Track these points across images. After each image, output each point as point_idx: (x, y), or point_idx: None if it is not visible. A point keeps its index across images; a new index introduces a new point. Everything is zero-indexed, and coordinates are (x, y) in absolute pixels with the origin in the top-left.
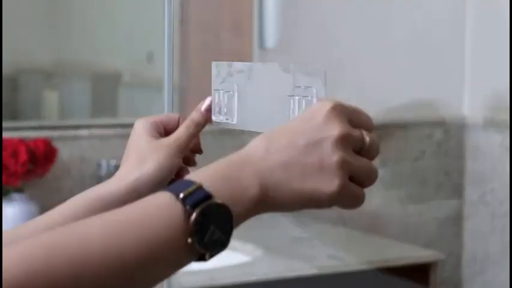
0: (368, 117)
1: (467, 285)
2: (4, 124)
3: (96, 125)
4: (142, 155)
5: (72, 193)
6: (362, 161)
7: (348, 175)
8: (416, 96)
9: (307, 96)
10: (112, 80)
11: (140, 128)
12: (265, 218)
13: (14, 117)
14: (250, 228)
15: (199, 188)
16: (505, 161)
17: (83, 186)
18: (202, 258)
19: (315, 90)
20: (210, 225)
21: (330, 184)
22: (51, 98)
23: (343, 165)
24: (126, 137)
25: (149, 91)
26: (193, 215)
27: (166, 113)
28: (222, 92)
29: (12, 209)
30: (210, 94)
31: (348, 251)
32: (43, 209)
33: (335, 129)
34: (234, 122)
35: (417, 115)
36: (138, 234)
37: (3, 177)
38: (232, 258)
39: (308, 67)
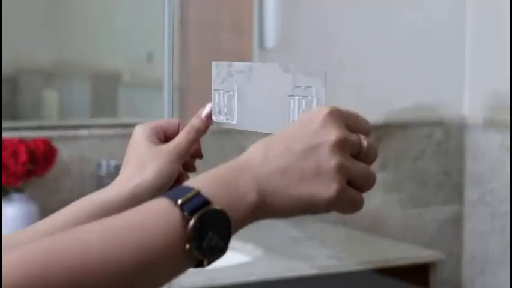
0: (365, 122)
1: (467, 285)
2: (4, 124)
3: (96, 125)
4: (142, 161)
5: (72, 193)
6: (359, 166)
7: (346, 180)
8: (416, 96)
9: (307, 96)
10: (112, 80)
11: (140, 134)
12: None
13: (14, 117)
14: (250, 228)
15: (198, 194)
16: (505, 161)
17: (83, 186)
18: (200, 264)
19: (315, 90)
20: (208, 231)
21: (327, 189)
22: (51, 98)
23: (340, 169)
24: (126, 137)
25: (149, 91)
26: (192, 221)
27: (166, 118)
28: (222, 92)
29: (12, 209)
30: (210, 94)
31: (348, 251)
32: (43, 209)
33: (332, 134)
34: (234, 122)
35: (417, 115)
36: (137, 240)
37: (3, 177)
38: (232, 258)
39: (308, 67)
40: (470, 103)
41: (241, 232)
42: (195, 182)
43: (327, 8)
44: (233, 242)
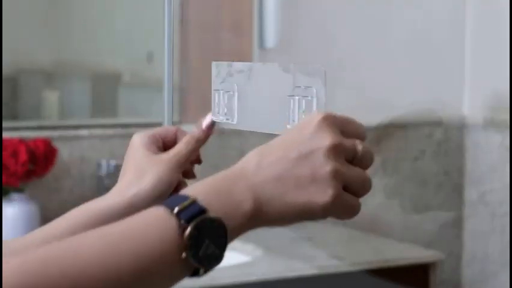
0: (360, 127)
1: (467, 285)
2: (4, 124)
3: (96, 125)
4: (140, 169)
5: (72, 193)
6: (355, 171)
7: (341, 185)
8: (416, 96)
9: (307, 96)
10: (112, 80)
11: (138, 142)
12: None
13: (14, 117)
14: None
15: (194, 202)
16: (505, 161)
17: (83, 186)
18: (196, 273)
19: (315, 90)
20: (204, 239)
21: (323, 195)
22: (51, 98)
23: (336, 175)
24: (126, 137)
25: (149, 91)
26: (188, 229)
27: (163, 126)
28: (222, 92)
29: (12, 209)
30: (210, 94)
31: (348, 251)
32: (43, 209)
33: (326, 140)
34: (234, 122)
35: (417, 115)
36: (134, 248)
37: (3, 177)
38: (232, 258)
39: (308, 67)
40: (470, 103)
41: None
42: (191, 190)
43: (327, 8)
44: (233, 242)
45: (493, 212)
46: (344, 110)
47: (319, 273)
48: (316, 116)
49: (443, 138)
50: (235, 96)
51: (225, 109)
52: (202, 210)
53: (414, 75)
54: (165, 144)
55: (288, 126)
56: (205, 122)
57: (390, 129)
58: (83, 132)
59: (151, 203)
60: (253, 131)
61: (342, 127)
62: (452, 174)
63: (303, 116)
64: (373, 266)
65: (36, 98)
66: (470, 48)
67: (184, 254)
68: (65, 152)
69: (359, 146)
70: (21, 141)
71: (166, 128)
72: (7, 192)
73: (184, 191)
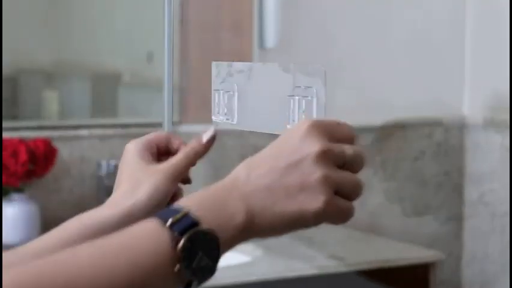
0: (349, 130)
1: (467, 285)
2: (4, 124)
3: (96, 125)
4: (136, 180)
5: (72, 193)
6: (345, 175)
7: (332, 190)
8: (416, 96)
9: (307, 96)
10: (112, 80)
11: (132, 151)
12: None
13: (14, 117)
14: None
15: (187, 214)
16: (505, 161)
17: (83, 186)
18: (189, 285)
19: (315, 90)
20: (197, 251)
21: (315, 202)
22: (51, 98)
23: (326, 181)
24: (126, 137)
25: (149, 91)
26: (181, 242)
27: (155, 133)
28: (222, 92)
29: (12, 209)
30: (210, 94)
31: (348, 251)
32: (43, 209)
33: (314, 147)
34: (234, 122)
35: (417, 115)
36: (127, 261)
37: (3, 177)
38: (232, 258)
39: (308, 67)
40: (470, 103)
41: None
42: (184, 202)
43: (327, 8)
44: None
45: (493, 212)
46: (344, 110)
47: (319, 273)
48: (303, 124)
49: (443, 138)
50: (235, 96)
51: (225, 109)
52: (195, 223)
53: (414, 75)
54: (159, 150)
55: (288, 126)
56: (206, 135)
57: (390, 129)
58: (83, 132)
59: (148, 213)
60: (253, 131)
61: (330, 132)
62: (452, 174)
63: (303, 116)
64: (373, 266)
65: (36, 98)
66: (470, 48)
67: (177, 267)
68: (65, 152)
69: (349, 150)
70: (21, 141)
71: (157, 135)
72: (7, 192)
73: (177, 203)
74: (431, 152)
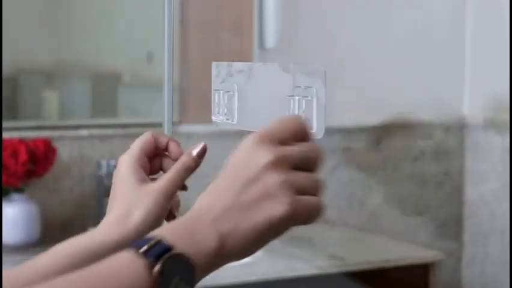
0: (301, 128)
1: (467, 286)
2: (4, 124)
3: (96, 125)
4: (128, 203)
5: (72, 193)
6: (303, 175)
7: (294, 192)
8: (416, 96)
9: (307, 96)
10: (112, 80)
11: (126, 167)
12: None
13: (14, 117)
14: None
15: (160, 241)
16: (505, 161)
17: (83, 186)
18: None
19: (315, 90)
20: (173, 275)
21: (279, 206)
22: (51, 98)
23: (285, 184)
24: (126, 137)
25: (149, 91)
26: (157, 267)
27: (144, 139)
28: (222, 92)
29: (12, 209)
30: (210, 94)
31: (348, 251)
32: (43, 209)
33: (265, 157)
34: (234, 122)
35: (417, 115)
36: None
37: (3, 177)
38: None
39: (308, 67)
40: (470, 103)
41: None
42: (157, 232)
43: (327, 8)
44: None
45: (493, 212)
46: (344, 110)
47: (319, 273)
48: (249, 139)
49: (443, 138)
50: (235, 96)
51: (225, 109)
52: (169, 248)
53: (414, 75)
54: (150, 155)
55: None
56: (196, 149)
57: (390, 129)
58: (83, 132)
59: (142, 235)
60: (253, 131)
61: (278, 138)
62: (452, 174)
63: (303, 117)
64: (373, 266)
65: (36, 98)
66: (470, 48)
67: None
68: (65, 152)
69: (302, 150)
70: (21, 141)
71: (146, 142)
72: (7, 192)
73: (151, 234)
74: (431, 152)
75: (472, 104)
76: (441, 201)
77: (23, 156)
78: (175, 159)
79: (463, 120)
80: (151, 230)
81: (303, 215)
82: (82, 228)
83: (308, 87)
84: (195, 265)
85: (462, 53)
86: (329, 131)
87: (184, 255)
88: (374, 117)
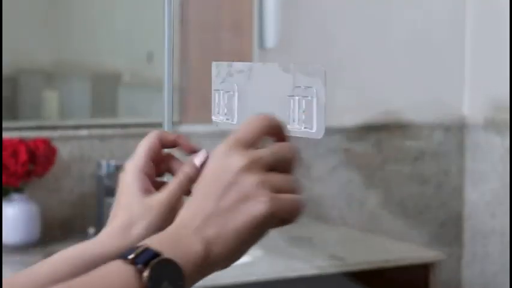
0: (270, 125)
1: (467, 286)
2: (4, 124)
3: (96, 125)
4: (131, 214)
5: (72, 193)
6: (279, 176)
7: (272, 191)
8: (416, 96)
9: (307, 96)
10: (112, 80)
11: (130, 179)
12: None
13: (14, 117)
14: None
15: (147, 248)
16: (505, 161)
17: (83, 186)
18: None
19: (315, 90)
20: (162, 281)
21: (259, 204)
22: (51, 98)
23: (262, 184)
24: (126, 137)
25: (149, 91)
26: (145, 272)
27: (148, 144)
28: (222, 92)
29: (12, 209)
30: (210, 94)
31: (348, 251)
32: (43, 209)
33: (238, 162)
34: (234, 122)
35: (417, 115)
36: None
37: (3, 177)
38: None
39: (308, 67)
40: (470, 103)
41: None
42: (143, 242)
43: (327, 8)
44: None
45: (493, 212)
46: (344, 110)
47: (319, 273)
48: (221, 147)
49: (443, 139)
50: (235, 96)
51: (225, 109)
52: (157, 254)
53: (414, 75)
54: (156, 160)
55: (288, 126)
56: (199, 159)
57: (390, 129)
58: (83, 132)
59: None
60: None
61: (250, 140)
62: (452, 174)
63: (303, 117)
64: (373, 266)
65: (36, 98)
66: (470, 48)
67: None
68: (65, 152)
69: (275, 152)
70: (21, 141)
71: (150, 147)
72: (7, 192)
73: (138, 244)
74: (431, 152)
75: (472, 104)
76: (441, 201)
77: (23, 156)
78: (191, 152)
79: (463, 120)
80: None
81: (283, 211)
82: (81, 228)
83: (308, 87)
84: (184, 273)
85: (462, 53)
86: (329, 131)
87: (172, 261)
88: (374, 117)
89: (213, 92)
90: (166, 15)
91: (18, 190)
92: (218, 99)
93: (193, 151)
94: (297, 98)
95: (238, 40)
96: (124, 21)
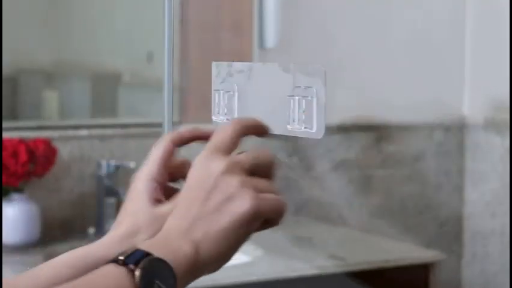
0: (249, 126)
1: (467, 286)
2: (4, 124)
3: (96, 125)
4: (137, 223)
5: (72, 193)
6: (260, 180)
7: (255, 190)
8: (416, 96)
9: (307, 96)
10: (112, 80)
11: (140, 187)
12: None
13: (14, 117)
14: None
15: (137, 249)
16: (505, 161)
17: (83, 186)
18: None
19: (315, 90)
20: (154, 280)
21: (243, 203)
22: (51, 98)
23: (244, 184)
24: (126, 137)
25: (149, 91)
26: (137, 271)
27: (162, 151)
28: (222, 92)
29: (12, 209)
30: (210, 94)
31: (348, 251)
32: (43, 209)
33: (218, 166)
34: None
35: (417, 115)
36: None
37: (3, 177)
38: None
39: (308, 67)
40: (470, 103)
41: None
42: (132, 245)
43: (327, 8)
44: None
45: (493, 212)
46: (344, 110)
47: (319, 273)
48: (200, 156)
49: (443, 139)
50: (235, 96)
51: (225, 109)
52: (147, 253)
53: (414, 75)
54: (172, 167)
55: (288, 126)
56: None
57: (390, 129)
58: (83, 132)
59: None
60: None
61: (229, 146)
62: (452, 174)
63: (303, 117)
64: (373, 266)
65: (36, 98)
66: (470, 48)
67: None
68: (65, 152)
69: (253, 157)
70: (21, 141)
71: (164, 153)
72: (7, 192)
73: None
74: (431, 152)
75: (472, 104)
76: (441, 201)
77: (23, 156)
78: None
79: (463, 120)
80: None
81: (267, 209)
82: (81, 228)
83: (308, 87)
84: (175, 273)
85: (462, 53)
86: (329, 131)
87: (162, 260)
88: (374, 117)
89: (213, 92)
90: (166, 15)
91: (18, 190)
92: (218, 99)
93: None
94: (297, 98)
95: (238, 40)
96: (124, 21)
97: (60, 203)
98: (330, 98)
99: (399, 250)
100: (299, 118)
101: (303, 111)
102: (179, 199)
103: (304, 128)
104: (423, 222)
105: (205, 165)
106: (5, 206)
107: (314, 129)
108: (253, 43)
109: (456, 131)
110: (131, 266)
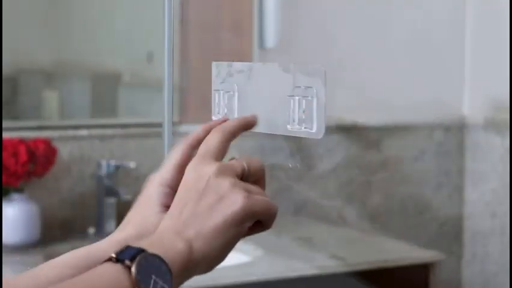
0: (234, 126)
1: (467, 286)
2: (4, 124)
3: (96, 125)
4: (144, 227)
5: (72, 193)
6: (250, 185)
7: (246, 191)
8: (416, 96)
9: (307, 96)
10: (112, 80)
11: (153, 192)
12: None
13: (14, 117)
14: None
15: (128, 246)
16: (505, 161)
17: (83, 186)
18: None
19: (315, 90)
20: (151, 275)
21: (235, 202)
22: (51, 98)
23: (235, 185)
24: (126, 137)
25: (149, 91)
26: (133, 267)
27: (179, 156)
28: (222, 92)
29: (12, 209)
30: (210, 94)
31: (348, 251)
32: (43, 209)
33: (210, 169)
34: None
35: (417, 115)
36: None
37: (3, 177)
38: (232, 258)
39: (308, 67)
40: (470, 103)
41: None
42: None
43: (327, 8)
44: None
45: (493, 212)
46: (344, 110)
47: (319, 273)
48: (191, 163)
49: (443, 138)
50: (235, 96)
51: (225, 109)
52: (141, 250)
53: (414, 75)
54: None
55: (288, 126)
56: None
57: (390, 129)
58: (83, 132)
59: None
60: (253, 131)
61: (219, 150)
62: (452, 174)
63: (303, 117)
64: (373, 266)
65: (36, 98)
66: (470, 48)
67: None
68: (65, 152)
69: (243, 164)
70: (21, 141)
71: (187, 156)
72: (7, 192)
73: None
74: (431, 152)
75: (472, 104)
76: (441, 201)
77: (23, 156)
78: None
79: (463, 120)
80: None
81: (258, 209)
82: (81, 228)
83: (308, 87)
84: (170, 270)
85: (462, 53)
86: (329, 131)
87: (157, 255)
88: (374, 117)
89: (213, 92)
90: (166, 15)
91: (18, 190)
92: (218, 99)
93: None
94: (297, 98)
95: (238, 40)
96: (124, 21)
97: (60, 203)
98: (330, 98)
99: (399, 250)
100: (299, 118)
101: (303, 111)
102: (174, 200)
103: (304, 128)
104: (423, 222)
105: (197, 169)
106: (5, 206)
107: (314, 129)
108: (253, 43)
109: (456, 131)
110: (127, 262)
